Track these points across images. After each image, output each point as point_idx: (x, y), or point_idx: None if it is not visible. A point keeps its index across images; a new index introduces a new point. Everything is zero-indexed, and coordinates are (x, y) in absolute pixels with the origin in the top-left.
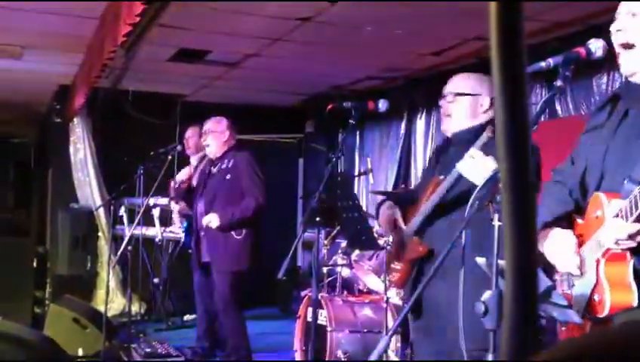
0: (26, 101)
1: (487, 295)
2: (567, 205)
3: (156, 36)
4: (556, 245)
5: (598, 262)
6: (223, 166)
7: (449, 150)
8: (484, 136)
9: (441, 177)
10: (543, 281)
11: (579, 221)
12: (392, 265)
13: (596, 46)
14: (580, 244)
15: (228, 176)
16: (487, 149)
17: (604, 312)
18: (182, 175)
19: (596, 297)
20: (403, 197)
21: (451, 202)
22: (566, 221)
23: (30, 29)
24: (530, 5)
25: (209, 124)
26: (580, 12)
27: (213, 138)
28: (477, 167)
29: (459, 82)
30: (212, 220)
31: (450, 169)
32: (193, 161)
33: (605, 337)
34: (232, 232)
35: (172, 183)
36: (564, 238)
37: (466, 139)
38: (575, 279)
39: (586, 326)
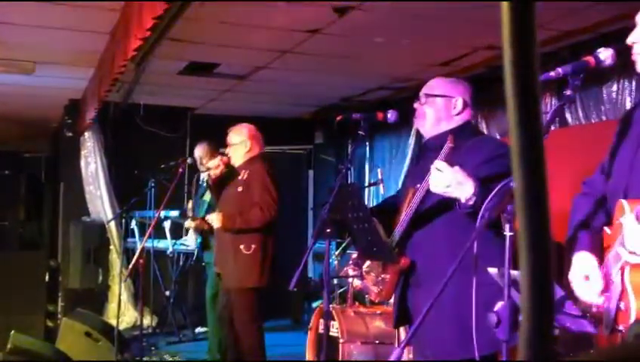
0: (38, 115)
1: (499, 305)
2: (599, 219)
3: (166, 50)
4: (583, 283)
5: (622, 269)
6: (239, 177)
7: (425, 157)
8: (446, 147)
9: (417, 186)
10: (557, 292)
11: (607, 231)
12: (380, 278)
13: (605, 54)
14: (607, 255)
15: (240, 189)
16: (451, 159)
17: (630, 321)
18: (212, 163)
19: (622, 305)
20: (385, 208)
21: (427, 212)
22: (597, 236)
23: (42, 45)
24: (539, 14)
25: (230, 135)
26: (589, 20)
27: (234, 150)
28: (444, 179)
29: (432, 84)
30: (214, 219)
31: (423, 178)
32: (204, 176)
33: (622, 349)
34: (241, 246)
35: (191, 203)
36: (591, 276)
37: (440, 145)
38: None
39: (616, 338)
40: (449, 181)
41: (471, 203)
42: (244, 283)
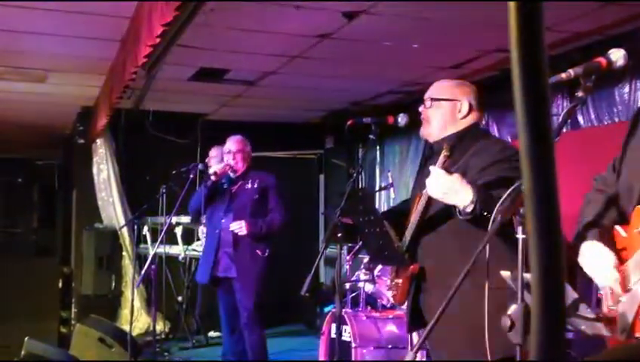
0: (50, 123)
1: (513, 309)
2: (610, 215)
3: (176, 56)
4: (595, 259)
5: None
6: (248, 186)
7: (432, 162)
8: (442, 155)
9: (424, 192)
10: (570, 295)
11: (622, 233)
12: (393, 282)
13: (617, 55)
14: (623, 258)
15: (256, 196)
16: (449, 166)
17: None
18: (218, 167)
19: None
20: (398, 213)
21: (434, 218)
22: (608, 232)
23: (54, 53)
24: (550, 16)
25: (236, 144)
26: (600, 22)
27: (241, 158)
28: (440, 186)
29: (437, 88)
30: (242, 228)
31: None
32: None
33: (632, 350)
34: (258, 251)
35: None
36: (602, 253)
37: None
38: (621, 296)
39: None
40: (445, 188)
41: (469, 210)
42: (260, 284)
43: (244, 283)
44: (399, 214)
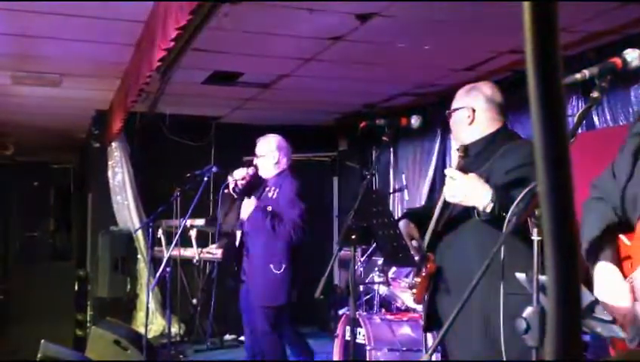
0: (66, 127)
1: (528, 311)
2: (612, 224)
3: (190, 60)
4: (607, 289)
5: None
6: (270, 193)
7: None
8: (458, 157)
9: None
10: (586, 296)
11: (626, 242)
12: (413, 281)
13: (632, 56)
14: (626, 267)
15: (269, 208)
16: (463, 169)
17: None
18: (238, 174)
19: None
20: (422, 214)
21: (454, 219)
22: (611, 241)
23: (68, 57)
24: (564, 17)
25: (258, 146)
26: (615, 22)
27: (262, 160)
28: (457, 187)
29: (454, 99)
30: (247, 206)
31: None
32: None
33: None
34: (271, 266)
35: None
36: (614, 281)
37: (470, 154)
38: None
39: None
40: (463, 189)
41: (489, 210)
42: (270, 302)
43: (254, 302)
44: (424, 215)
